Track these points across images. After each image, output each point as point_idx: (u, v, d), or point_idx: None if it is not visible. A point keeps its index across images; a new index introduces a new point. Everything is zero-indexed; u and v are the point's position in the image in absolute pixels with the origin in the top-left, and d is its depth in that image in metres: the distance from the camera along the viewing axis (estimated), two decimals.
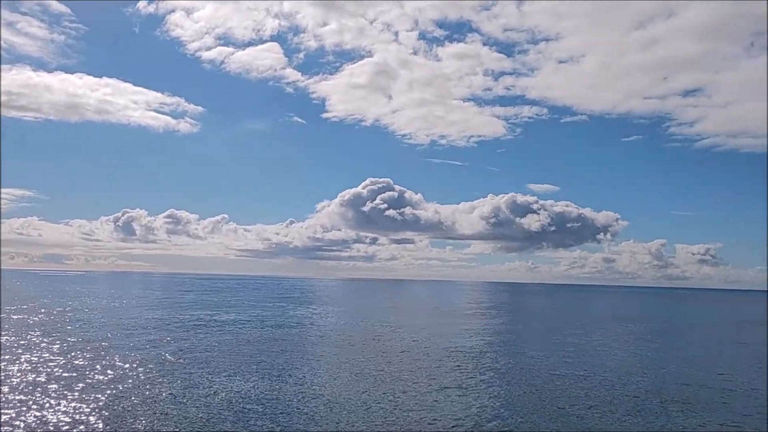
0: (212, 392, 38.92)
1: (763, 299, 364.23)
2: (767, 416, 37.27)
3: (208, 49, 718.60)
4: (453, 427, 32.48)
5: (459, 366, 53.23)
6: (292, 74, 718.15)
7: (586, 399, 40.59)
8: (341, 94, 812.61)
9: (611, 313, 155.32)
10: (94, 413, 32.90)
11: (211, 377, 43.93)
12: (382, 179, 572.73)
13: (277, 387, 41.43)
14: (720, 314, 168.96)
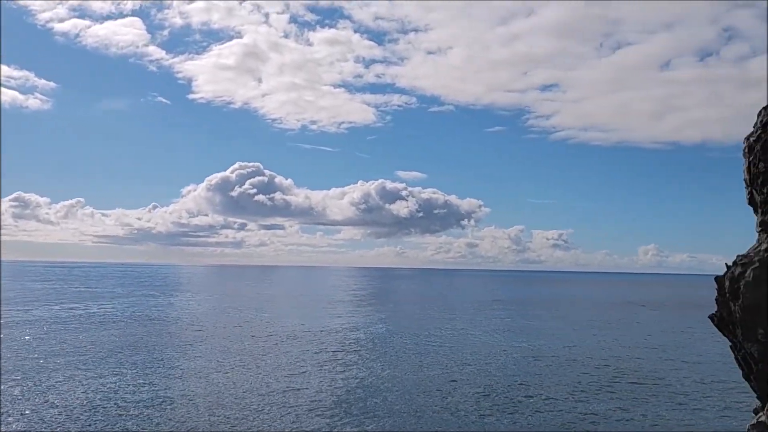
0: (65, 390, 35.20)
1: (608, 280, 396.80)
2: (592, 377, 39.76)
3: (62, 20, 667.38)
4: (310, 411, 31.47)
5: (324, 351, 52.39)
6: (156, 52, 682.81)
7: (451, 377, 41.14)
8: (208, 75, 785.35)
9: (476, 296, 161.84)
10: None
11: (67, 373, 39.85)
12: (251, 163, 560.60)
13: (140, 383, 38.34)
14: (571, 294, 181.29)
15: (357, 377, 42.06)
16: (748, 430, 23.68)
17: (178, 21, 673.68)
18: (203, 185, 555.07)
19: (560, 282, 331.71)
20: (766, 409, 22.88)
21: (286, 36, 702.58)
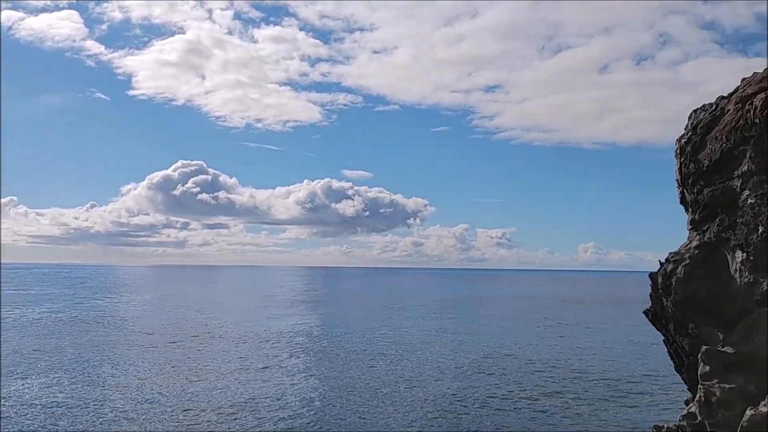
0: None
1: (549, 278, 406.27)
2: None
3: None
4: (241, 413, 31.10)
5: (265, 353, 51.85)
6: (94, 46, 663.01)
7: (397, 377, 41.31)
8: (150, 71, 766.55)
9: (422, 295, 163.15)
10: None
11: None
12: (194, 162, 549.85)
13: (78, 388, 37.00)
14: (514, 292, 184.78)
15: (299, 380, 41.80)
16: (680, 420, 24.50)
17: (118, 15, 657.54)
18: (144, 184, 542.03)
19: (503, 280, 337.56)
20: (695, 399, 23.73)
21: (230, 33, 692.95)
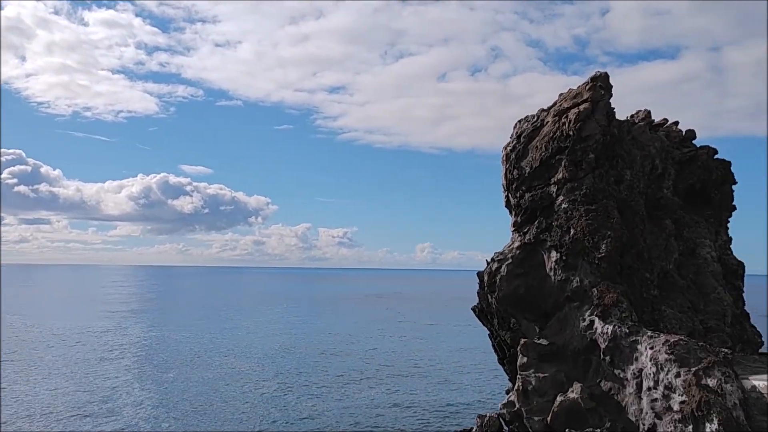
0: None
1: (388, 277, 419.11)
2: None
3: None
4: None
5: (86, 357, 48.40)
6: None
7: (232, 378, 40.37)
8: None
9: (262, 295, 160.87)
10: None
11: None
12: (11, 150, 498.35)
13: None
14: (353, 291, 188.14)
15: (126, 384, 39.51)
16: (501, 408, 26.15)
17: None
18: None
19: (344, 279, 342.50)
20: (514, 388, 25.48)
21: (57, 12, 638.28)
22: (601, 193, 22.55)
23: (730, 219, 26.68)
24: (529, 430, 21.89)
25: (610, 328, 20.32)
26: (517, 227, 24.27)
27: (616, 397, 20.20)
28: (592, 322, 21.10)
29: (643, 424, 18.84)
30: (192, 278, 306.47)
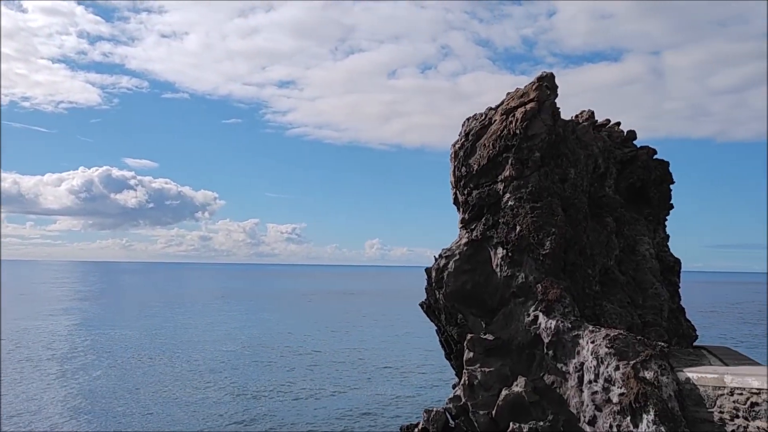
0: None
1: (337, 273, 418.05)
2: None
3: None
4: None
5: (17, 357, 46.77)
6: None
7: (174, 372, 39.62)
8: None
9: (207, 291, 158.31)
10: None
11: None
12: None
13: None
14: (301, 287, 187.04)
15: (63, 384, 38.35)
16: (447, 403, 26.45)
17: None
18: None
19: (292, 275, 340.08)
20: (461, 383, 25.79)
21: None
22: (546, 191, 23.03)
23: (667, 217, 27.61)
24: (475, 424, 22.24)
25: (554, 323, 20.83)
26: (465, 224, 24.58)
27: (558, 391, 20.73)
28: (536, 317, 21.57)
29: (584, 417, 19.41)
30: (135, 274, 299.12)
